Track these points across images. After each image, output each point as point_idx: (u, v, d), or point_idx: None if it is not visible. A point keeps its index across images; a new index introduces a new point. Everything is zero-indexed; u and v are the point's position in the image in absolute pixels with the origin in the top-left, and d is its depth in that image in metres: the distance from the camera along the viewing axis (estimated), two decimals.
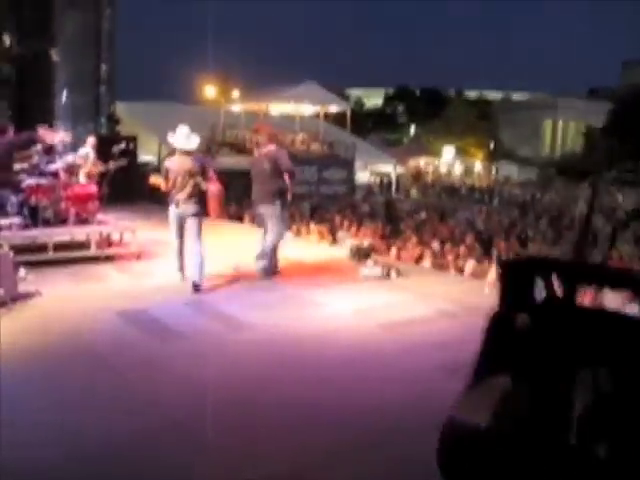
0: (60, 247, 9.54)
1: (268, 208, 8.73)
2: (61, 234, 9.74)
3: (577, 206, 27.56)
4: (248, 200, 25.31)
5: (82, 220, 10.15)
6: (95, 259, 9.74)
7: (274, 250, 8.87)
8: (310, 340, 6.48)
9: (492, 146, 54.27)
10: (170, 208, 8.33)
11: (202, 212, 8.32)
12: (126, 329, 6.67)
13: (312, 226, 15.73)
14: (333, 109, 34.78)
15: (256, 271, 8.85)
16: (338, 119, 37.92)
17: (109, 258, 9.92)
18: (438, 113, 55.75)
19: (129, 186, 17.70)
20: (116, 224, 10.61)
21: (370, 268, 9.34)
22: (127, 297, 7.90)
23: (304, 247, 11.55)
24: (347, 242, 12.77)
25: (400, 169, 40.71)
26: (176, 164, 8.24)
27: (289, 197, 8.90)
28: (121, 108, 29.76)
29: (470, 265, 11.81)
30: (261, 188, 8.74)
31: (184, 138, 8.26)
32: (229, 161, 29.94)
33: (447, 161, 51.46)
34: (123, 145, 12.43)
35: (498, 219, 21.34)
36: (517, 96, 64.90)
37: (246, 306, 7.56)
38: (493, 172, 48.91)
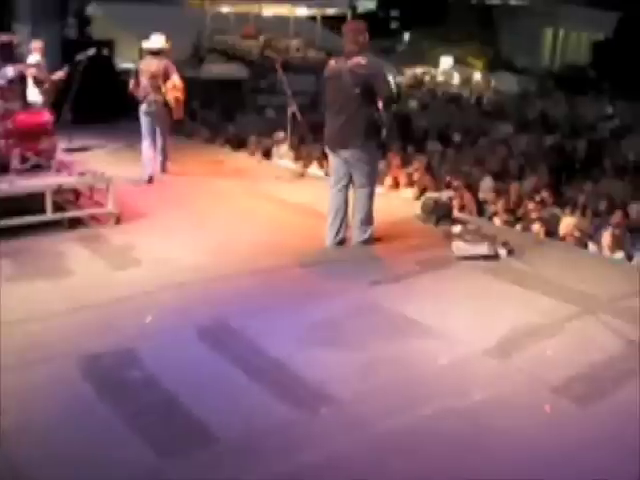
0: None
1: (356, 152, 5.94)
2: None
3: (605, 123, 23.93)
4: (239, 111, 22.23)
5: (32, 166, 6.59)
6: (52, 227, 6.24)
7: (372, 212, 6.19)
8: (434, 431, 3.21)
9: (491, 55, 50.09)
10: (140, 106, 8.58)
11: (166, 112, 8.55)
12: (90, 411, 3.31)
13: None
14: (330, 12, 30.51)
15: (355, 241, 6.18)
16: (333, 24, 33.69)
17: (73, 224, 6.44)
18: (437, 19, 51.10)
19: (105, 100, 13.98)
20: (84, 168, 7.00)
21: (469, 243, 5.96)
22: (97, 314, 4.49)
23: None
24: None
25: (399, 78, 36.75)
26: (144, 65, 8.53)
27: (384, 134, 5.96)
28: (95, 9, 25.58)
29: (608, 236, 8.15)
30: (343, 122, 5.88)
31: (156, 41, 8.52)
32: (219, 69, 26.07)
33: (445, 70, 47.35)
34: (92, 51, 8.90)
35: (531, 140, 17.85)
36: (514, 2, 59.91)
37: (298, 335, 4.21)
38: (492, 83, 44.87)
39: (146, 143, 8.65)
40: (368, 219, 6.14)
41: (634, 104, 35.78)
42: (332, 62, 5.99)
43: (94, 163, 8.29)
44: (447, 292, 5.08)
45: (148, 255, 5.69)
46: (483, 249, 5.88)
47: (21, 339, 4.04)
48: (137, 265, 5.47)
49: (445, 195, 7.29)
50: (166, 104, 8.43)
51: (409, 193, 9.95)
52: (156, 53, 8.46)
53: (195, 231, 6.49)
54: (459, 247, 5.93)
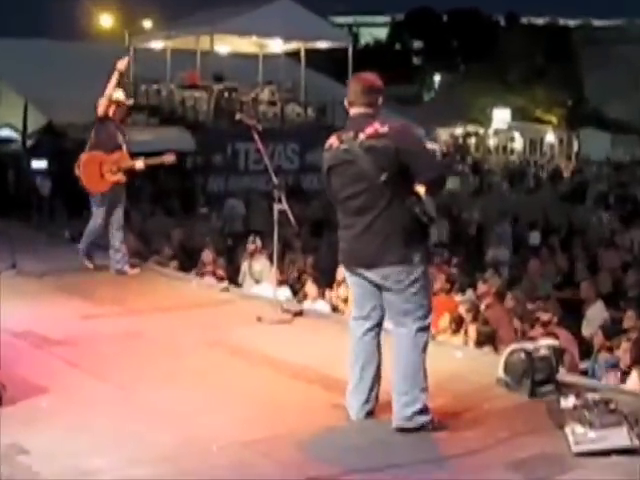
0: None
1: (392, 272, 5.90)
2: None
3: None
4: (184, 204, 22.21)
5: None
6: None
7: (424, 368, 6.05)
8: None
9: (571, 104, 51.31)
10: None
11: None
12: None
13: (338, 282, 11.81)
14: (322, 45, 31.28)
15: (400, 423, 5.90)
16: (325, 64, 34.55)
17: None
18: (484, 51, 52.60)
19: None
20: None
21: (593, 428, 5.66)
22: None
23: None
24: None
25: (430, 145, 37.44)
26: None
27: (432, 236, 6.43)
28: None
29: None
30: (366, 227, 5.96)
31: None
32: (146, 136, 26.21)
33: (499, 130, 48.35)
34: None
35: None
36: (599, 24, 61.95)
37: None
38: (575, 147, 45.89)
39: None
40: (417, 379, 5.93)
41: None
42: (333, 140, 6.05)
43: None
44: None
45: (50, 466, 5.33)
46: (620, 438, 5.57)
47: None
48: None
49: (544, 345, 7.02)
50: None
51: (472, 334, 9.80)
52: None
53: (132, 419, 6.19)
54: (578, 436, 5.63)
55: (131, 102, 12.89)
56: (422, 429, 5.85)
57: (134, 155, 11.83)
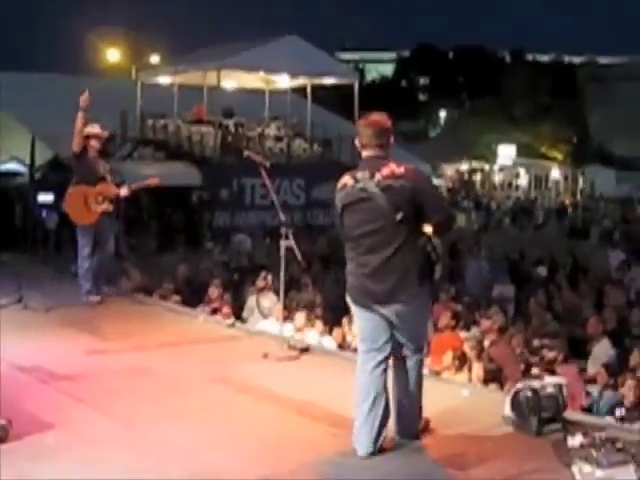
0: None
1: (405, 308, 6.11)
2: None
3: None
4: (190, 239, 22.18)
5: None
6: None
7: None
8: None
9: (577, 140, 51.41)
10: None
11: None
12: None
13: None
14: (328, 82, 31.36)
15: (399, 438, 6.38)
16: (332, 99, 34.62)
17: None
18: (489, 87, 52.74)
19: None
20: None
21: (601, 466, 5.66)
22: None
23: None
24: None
25: (436, 180, 37.54)
26: None
27: (437, 273, 6.22)
28: None
29: None
30: (381, 264, 6.09)
31: None
32: (153, 171, 26.27)
33: (505, 166, 48.37)
34: None
35: None
36: (604, 61, 62.21)
37: None
38: (581, 183, 45.79)
39: None
40: (419, 402, 6.36)
41: None
42: (347, 179, 6.19)
43: None
44: None
45: None
46: (627, 477, 5.57)
47: None
48: None
49: (550, 383, 7.01)
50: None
51: (477, 372, 9.79)
52: None
53: (138, 455, 6.18)
54: (585, 474, 5.65)
55: (106, 134, 12.71)
56: (417, 438, 6.34)
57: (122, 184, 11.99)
